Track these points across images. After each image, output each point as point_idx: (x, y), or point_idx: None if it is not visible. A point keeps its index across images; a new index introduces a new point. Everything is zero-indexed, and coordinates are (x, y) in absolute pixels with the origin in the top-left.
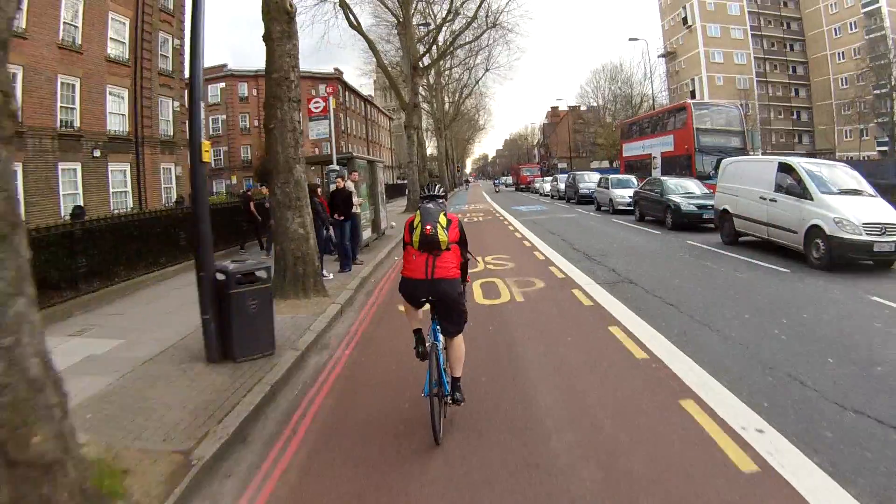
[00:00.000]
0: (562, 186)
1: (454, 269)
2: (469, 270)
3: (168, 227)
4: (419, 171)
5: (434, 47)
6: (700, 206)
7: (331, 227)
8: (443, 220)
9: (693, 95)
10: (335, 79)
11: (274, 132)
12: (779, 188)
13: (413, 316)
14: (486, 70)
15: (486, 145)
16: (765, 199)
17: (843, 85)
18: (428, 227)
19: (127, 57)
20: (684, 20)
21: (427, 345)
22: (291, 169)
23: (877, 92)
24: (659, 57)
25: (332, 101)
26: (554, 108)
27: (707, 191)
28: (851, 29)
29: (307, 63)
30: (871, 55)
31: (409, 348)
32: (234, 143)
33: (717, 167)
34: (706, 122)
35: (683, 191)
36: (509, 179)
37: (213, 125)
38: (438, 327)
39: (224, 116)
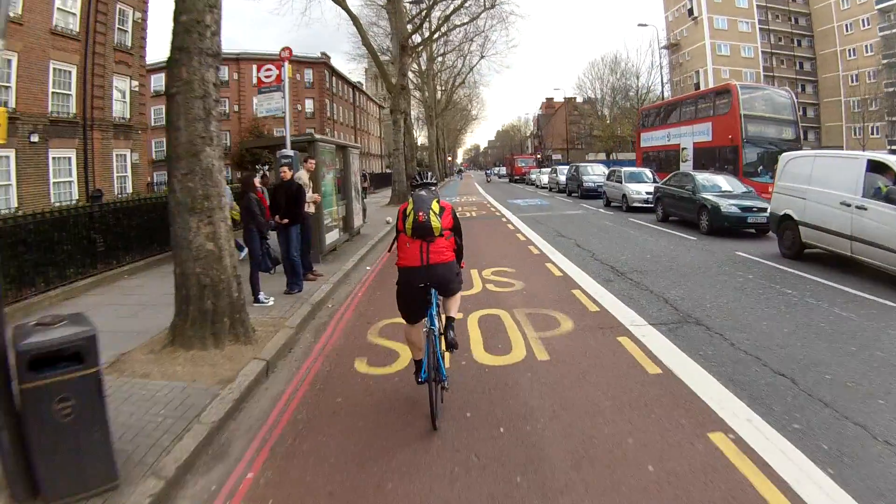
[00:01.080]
0: (562, 179)
1: (448, 253)
2: (464, 292)
3: (80, 230)
4: (406, 161)
5: (426, 26)
6: (743, 209)
7: (269, 234)
8: (435, 206)
9: (697, 88)
10: (322, 63)
11: (176, 99)
12: (871, 193)
13: (415, 343)
14: (482, 57)
15: (479, 136)
16: (848, 205)
17: (852, 82)
18: (420, 214)
19: (77, 29)
20: (690, 11)
21: (424, 330)
22: (198, 153)
23: (890, 90)
24: (662, 48)
25: (288, 68)
26: (549, 100)
27: (746, 188)
28: (864, 25)
29: (284, 41)
30: (883, 52)
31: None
32: None
33: (765, 162)
34: (755, 108)
35: (718, 188)
36: (502, 170)
37: None
38: (435, 311)
39: None
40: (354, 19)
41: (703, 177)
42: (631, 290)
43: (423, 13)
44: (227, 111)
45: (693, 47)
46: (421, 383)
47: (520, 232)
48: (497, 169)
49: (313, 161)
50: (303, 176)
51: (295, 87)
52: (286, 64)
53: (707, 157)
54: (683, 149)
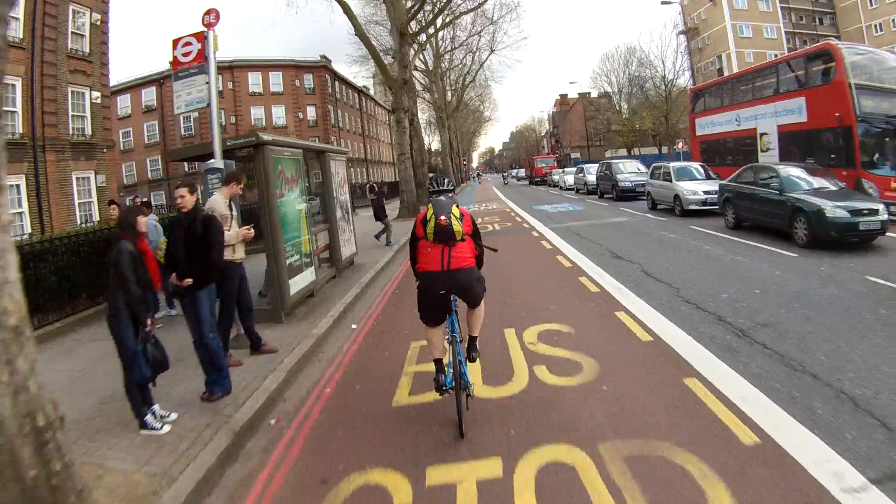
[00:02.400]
0: (591, 179)
1: (470, 259)
2: (501, 387)
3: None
4: (416, 166)
5: (427, 8)
6: (853, 211)
7: (151, 307)
8: (455, 211)
9: (721, 73)
10: (322, 67)
11: None
12: None
13: (435, 343)
14: (492, 51)
15: (493, 138)
16: None
17: None
18: (442, 218)
19: (20, 35)
20: None
21: (446, 337)
22: None
23: None
24: (679, 34)
25: (213, 38)
26: (563, 96)
27: (838, 183)
28: None
29: (290, 51)
30: None
31: None
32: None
33: (885, 148)
34: (867, 76)
35: (809, 185)
36: (521, 172)
37: (183, 124)
38: (456, 320)
39: (196, 114)
40: (343, 5)
41: (789, 171)
42: (785, 378)
43: None
44: (224, 122)
45: (713, 30)
46: (445, 391)
47: (561, 253)
48: (515, 171)
49: (241, 183)
50: (217, 203)
51: (295, 94)
52: (211, 33)
53: (800, 144)
54: (763, 134)
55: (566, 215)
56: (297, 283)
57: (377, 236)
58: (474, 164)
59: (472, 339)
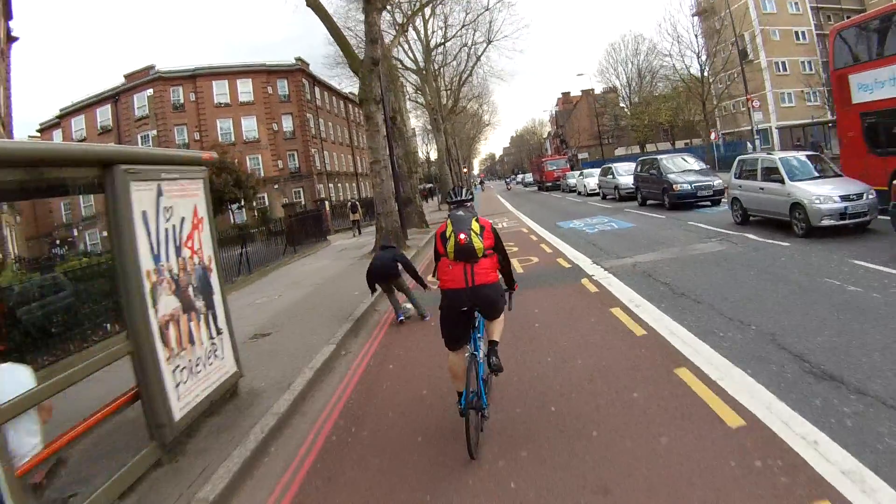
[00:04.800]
0: (624, 181)
1: (493, 274)
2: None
3: None
4: (401, 177)
5: None
6: None
7: None
8: (475, 226)
9: (744, 55)
10: (298, 70)
11: None
12: None
13: (457, 372)
14: (489, 42)
15: (493, 144)
16: None
17: None
18: (462, 237)
19: None
20: None
21: (466, 355)
22: None
23: None
24: (693, 16)
25: None
26: (566, 94)
27: None
28: None
29: (261, 56)
30: None
31: None
32: None
33: None
34: None
35: None
36: (527, 177)
37: (141, 144)
38: (478, 335)
39: (154, 132)
40: None
41: None
42: None
43: None
44: (187, 140)
45: (732, 8)
46: (462, 412)
47: (663, 342)
48: (520, 176)
49: None
50: None
51: (268, 103)
52: None
53: None
54: None
55: (615, 238)
56: None
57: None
58: (475, 171)
59: (493, 344)
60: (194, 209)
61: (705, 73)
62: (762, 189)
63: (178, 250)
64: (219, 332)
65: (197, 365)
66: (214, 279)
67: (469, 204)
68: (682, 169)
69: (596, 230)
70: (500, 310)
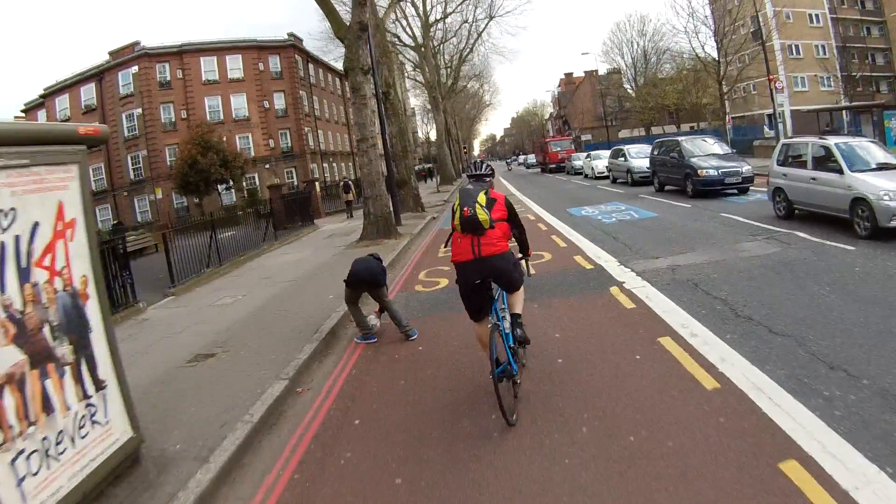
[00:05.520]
0: (637, 164)
1: (501, 243)
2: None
3: None
4: (396, 157)
5: None
6: None
7: None
8: (482, 199)
9: (758, 36)
10: (290, 46)
11: None
12: None
13: (485, 343)
14: (490, 18)
15: (494, 125)
16: None
17: None
18: (466, 209)
19: None
20: None
21: (489, 326)
22: None
23: None
24: None
25: None
26: (568, 76)
27: None
28: None
29: (252, 32)
30: None
31: None
32: (155, 143)
33: None
34: None
35: None
36: (529, 158)
37: (126, 123)
38: (499, 307)
39: (139, 110)
40: None
41: None
42: None
43: None
44: (173, 118)
45: None
46: (495, 380)
47: (754, 407)
48: (521, 157)
49: None
50: None
51: (259, 80)
52: None
53: None
54: None
55: (638, 231)
56: None
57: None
58: (476, 152)
59: (515, 317)
60: (58, 209)
61: (721, 53)
62: (814, 179)
63: (23, 274)
64: (99, 387)
65: (59, 443)
66: (93, 309)
67: (488, 178)
68: (706, 153)
69: (613, 219)
70: (516, 280)
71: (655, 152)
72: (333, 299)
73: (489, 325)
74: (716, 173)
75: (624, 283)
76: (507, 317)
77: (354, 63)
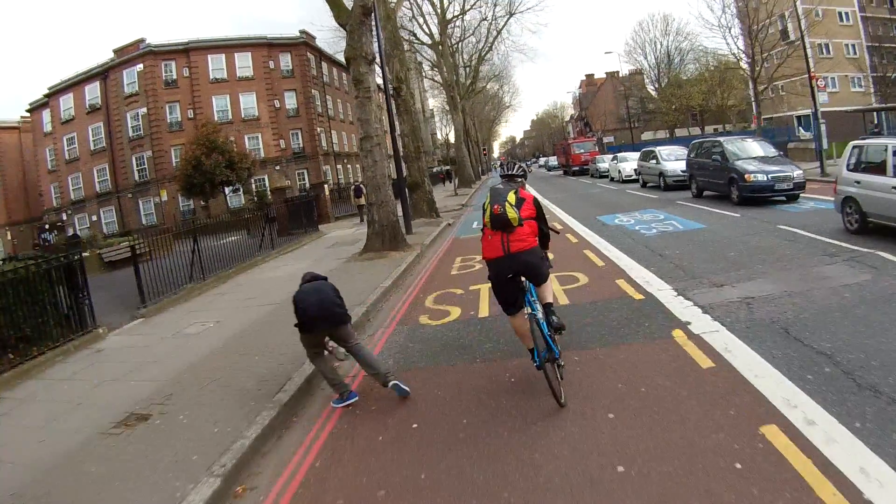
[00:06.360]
0: (669, 167)
1: (530, 239)
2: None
3: None
4: (408, 157)
5: None
6: None
7: None
8: (511, 198)
9: (785, 36)
10: (302, 44)
11: None
12: None
13: (521, 332)
14: (511, 14)
15: (514, 127)
16: None
17: None
18: (496, 207)
19: None
20: None
21: (525, 316)
22: None
23: None
24: None
25: None
26: (589, 77)
27: None
28: None
29: (263, 28)
30: None
31: None
32: (160, 144)
33: None
34: None
35: None
36: (551, 161)
37: (131, 122)
38: (531, 296)
39: (144, 109)
40: None
41: None
42: None
43: None
44: (179, 118)
45: None
46: (539, 368)
47: None
48: (542, 160)
49: None
50: None
51: (269, 78)
52: None
53: None
54: None
55: (687, 245)
56: None
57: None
58: (495, 154)
59: (548, 306)
60: None
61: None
62: None
63: None
64: None
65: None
66: None
67: (519, 179)
68: (752, 155)
69: (654, 231)
70: (543, 274)
71: (693, 154)
72: None
73: (526, 316)
74: (765, 178)
75: (689, 323)
76: (540, 307)
77: (357, 51)
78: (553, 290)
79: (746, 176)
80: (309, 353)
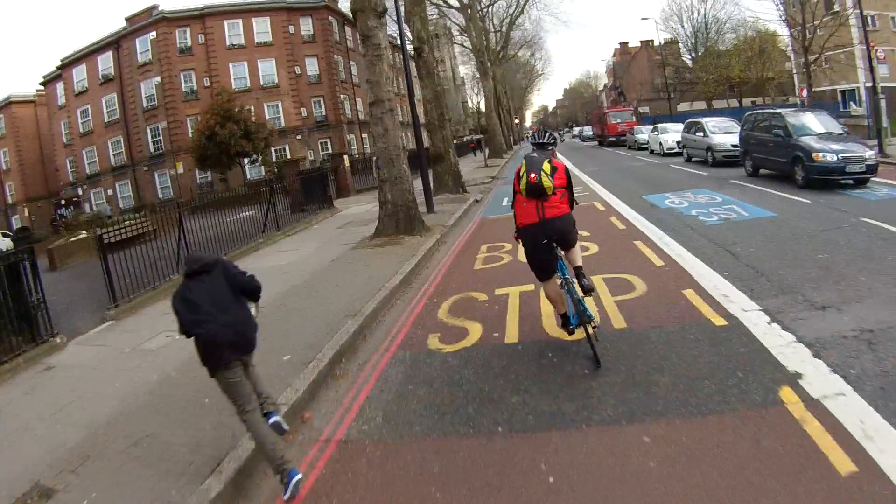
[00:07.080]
0: (718, 141)
1: (563, 206)
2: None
3: None
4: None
5: None
6: None
7: None
8: (546, 167)
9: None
10: (324, 7)
11: None
12: None
13: (553, 297)
14: None
15: (546, 96)
16: None
17: None
18: (532, 176)
19: None
20: None
21: (559, 281)
22: None
23: None
24: None
25: None
26: (623, 45)
27: None
28: None
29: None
30: None
31: None
32: (175, 114)
33: None
34: None
35: None
36: (586, 130)
37: (145, 92)
38: (563, 262)
39: (158, 79)
40: None
41: None
42: None
43: None
44: (195, 87)
45: None
46: (573, 330)
47: None
48: (576, 129)
49: None
50: None
51: (289, 44)
52: None
53: None
54: None
55: (761, 241)
56: None
57: None
58: (527, 123)
59: (578, 269)
60: None
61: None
62: None
63: None
64: None
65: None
66: None
67: (550, 147)
68: (819, 131)
69: (715, 218)
70: (573, 239)
71: (748, 128)
72: (288, 363)
73: (558, 281)
74: (835, 158)
75: (800, 376)
76: (570, 269)
77: (364, 2)
78: (599, 293)
79: (814, 155)
80: (238, 407)
